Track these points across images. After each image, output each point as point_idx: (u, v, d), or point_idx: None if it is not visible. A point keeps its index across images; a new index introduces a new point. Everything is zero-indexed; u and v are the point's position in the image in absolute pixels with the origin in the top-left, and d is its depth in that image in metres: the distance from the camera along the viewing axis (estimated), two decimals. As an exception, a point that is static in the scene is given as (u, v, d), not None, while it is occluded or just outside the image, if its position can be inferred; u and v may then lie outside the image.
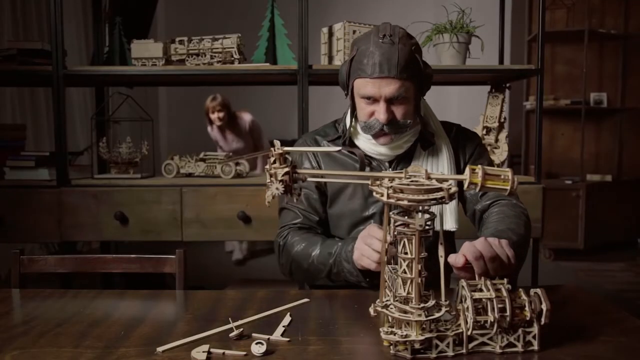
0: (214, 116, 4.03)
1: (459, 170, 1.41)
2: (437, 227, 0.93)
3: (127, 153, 2.29)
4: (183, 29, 3.29)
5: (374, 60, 1.24)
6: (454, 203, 1.36)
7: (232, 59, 2.18)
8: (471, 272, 1.01)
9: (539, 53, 2.16)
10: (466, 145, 1.44)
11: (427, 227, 0.86)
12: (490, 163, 1.44)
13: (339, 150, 1.14)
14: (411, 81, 1.27)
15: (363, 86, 1.27)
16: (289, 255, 1.36)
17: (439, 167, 1.37)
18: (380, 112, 1.27)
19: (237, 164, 2.29)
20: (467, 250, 1.01)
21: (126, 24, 2.38)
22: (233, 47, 2.17)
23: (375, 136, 1.32)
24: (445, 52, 2.20)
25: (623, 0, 4.73)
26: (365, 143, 1.37)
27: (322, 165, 1.42)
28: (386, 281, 0.97)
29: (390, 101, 1.27)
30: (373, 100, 1.28)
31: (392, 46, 1.24)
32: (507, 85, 2.38)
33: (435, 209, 1.28)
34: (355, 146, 1.39)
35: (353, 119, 1.38)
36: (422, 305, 0.85)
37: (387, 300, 0.94)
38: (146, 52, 2.20)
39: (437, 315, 0.86)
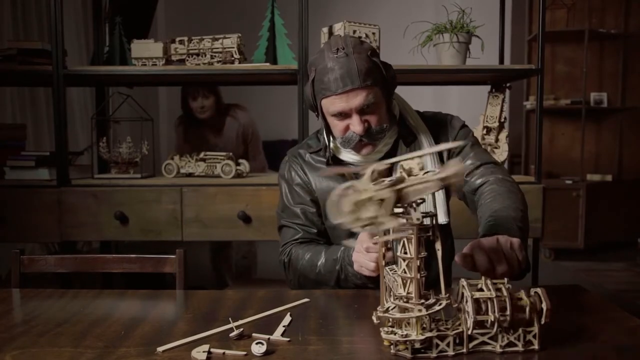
0: (196, 104, 2.91)
1: (443, 159, 1.40)
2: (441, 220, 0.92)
3: (128, 153, 2.29)
4: (183, 29, 3.29)
5: (334, 76, 1.23)
6: (442, 196, 1.36)
7: (232, 58, 2.18)
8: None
9: (539, 53, 2.16)
10: (448, 133, 1.42)
11: (424, 223, 0.85)
12: (476, 142, 1.43)
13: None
14: (376, 86, 1.26)
15: (331, 104, 1.27)
16: (296, 270, 1.37)
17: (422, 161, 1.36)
18: (355, 125, 1.27)
19: (237, 163, 2.29)
20: (472, 248, 0.99)
21: (126, 24, 2.38)
22: (233, 47, 2.17)
23: (356, 148, 1.32)
24: (445, 52, 2.20)
25: (623, 0, 4.73)
26: (349, 154, 1.38)
27: (310, 177, 1.43)
28: (387, 285, 0.97)
29: (361, 111, 1.26)
30: (345, 115, 1.27)
31: (347, 57, 1.23)
32: (508, 85, 2.37)
33: (428, 204, 1.28)
34: (339, 161, 1.40)
35: (330, 137, 1.38)
36: (422, 301, 0.85)
37: (388, 306, 0.94)
38: (146, 51, 2.19)
39: (437, 308, 0.86)
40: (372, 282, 1.22)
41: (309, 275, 1.34)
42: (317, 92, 1.29)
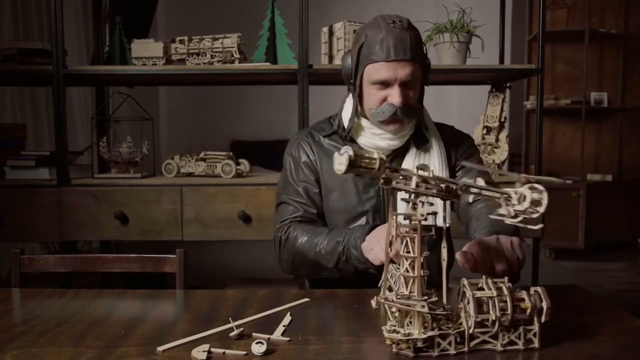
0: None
1: (451, 169, 1.42)
2: (440, 224, 0.92)
3: (128, 152, 2.29)
4: (183, 29, 3.29)
5: (388, 44, 1.25)
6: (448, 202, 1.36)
7: (233, 58, 2.18)
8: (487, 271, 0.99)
9: (540, 53, 2.16)
10: (459, 145, 1.45)
11: (428, 223, 0.86)
12: (480, 162, 1.46)
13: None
14: (420, 65, 1.29)
15: (377, 71, 1.27)
16: (293, 248, 1.34)
17: (429, 165, 1.37)
18: (394, 96, 1.28)
19: (237, 163, 2.29)
20: (472, 247, 0.99)
21: (126, 24, 2.38)
22: (233, 47, 2.17)
23: (386, 123, 1.32)
24: (445, 51, 2.20)
25: (623, 0, 4.73)
26: (367, 138, 1.37)
27: (317, 157, 1.43)
28: (389, 280, 0.97)
29: (403, 84, 1.28)
30: (386, 84, 1.28)
31: (403, 30, 1.26)
32: (508, 84, 2.38)
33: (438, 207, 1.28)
34: (355, 143, 1.39)
35: (354, 114, 1.37)
36: (424, 297, 0.85)
37: (389, 294, 0.94)
38: (146, 51, 2.19)
39: (438, 312, 0.86)
40: (374, 268, 1.20)
41: (307, 254, 1.31)
42: (362, 58, 1.30)
